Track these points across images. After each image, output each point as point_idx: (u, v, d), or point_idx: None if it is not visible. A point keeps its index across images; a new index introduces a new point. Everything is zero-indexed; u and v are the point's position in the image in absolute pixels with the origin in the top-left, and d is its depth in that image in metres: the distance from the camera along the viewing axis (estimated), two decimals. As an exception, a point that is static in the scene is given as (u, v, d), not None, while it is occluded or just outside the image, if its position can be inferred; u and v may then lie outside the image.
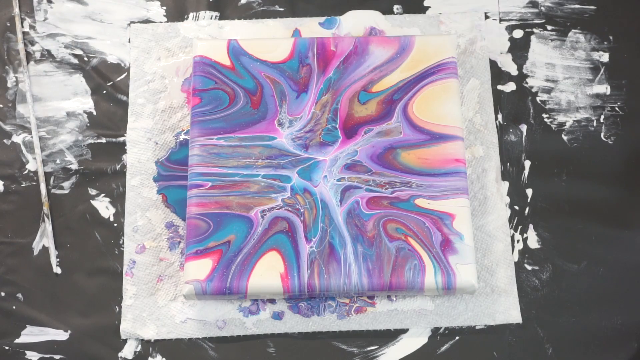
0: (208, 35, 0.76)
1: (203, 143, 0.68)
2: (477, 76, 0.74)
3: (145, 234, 0.69)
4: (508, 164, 0.72)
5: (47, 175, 0.72)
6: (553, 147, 0.72)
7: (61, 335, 0.67)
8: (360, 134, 0.68)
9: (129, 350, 0.67)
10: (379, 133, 0.68)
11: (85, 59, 0.75)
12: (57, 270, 0.69)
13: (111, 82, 0.75)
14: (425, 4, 0.77)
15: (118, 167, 0.72)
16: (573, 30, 0.76)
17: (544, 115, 0.73)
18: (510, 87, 0.74)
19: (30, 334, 0.67)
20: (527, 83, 0.74)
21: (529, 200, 0.71)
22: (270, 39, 0.73)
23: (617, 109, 0.73)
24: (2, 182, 0.72)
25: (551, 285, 0.68)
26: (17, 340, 0.67)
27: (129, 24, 0.76)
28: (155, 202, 0.70)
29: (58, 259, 0.69)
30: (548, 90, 0.74)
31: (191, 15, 0.77)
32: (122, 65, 0.75)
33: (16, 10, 0.77)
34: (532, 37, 0.76)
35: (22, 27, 0.76)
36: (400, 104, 0.69)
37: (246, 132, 0.68)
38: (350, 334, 0.67)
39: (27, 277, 0.69)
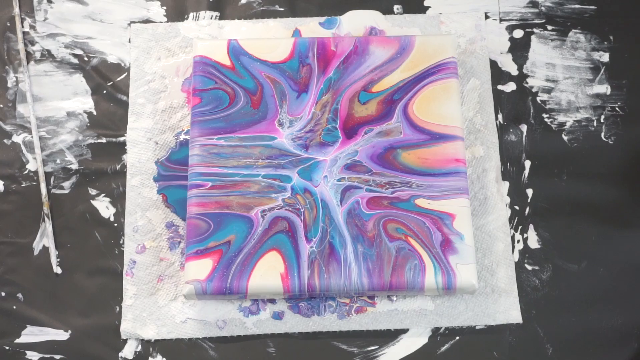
0: (208, 35, 0.76)
1: (203, 143, 0.68)
2: (478, 76, 0.74)
3: (145, 234, 0.69)
4: (508, 164, 0.72)
5: (47, 175, 0.72)
6: (553, 147, 0.72)
7: (61, 335, 0.67)
8: (360, 134, 0.68)
9: (129, 350, 0.67)
10: (379, 133, 0.68)
11: (86, 58, 0.75)
12: (58, 270, 0.69)
13: (111, 82, 0.75)
14: (426, 3, 0.77)
15: (118, 167, 0.72)
16: (573, 30, 0.76)
17: (544, 115, 0.73)
18: (510, 87, 0.74)
19: (31, 334, 0.67)
20: (527, 83, 0.74)
21: (529, 200, 0.71)
22: (270, 38, 0.73)
23: (617, 109, 0.73)
24: (3, 182, 0.72)
25: (551, 285, 0.68)
26: (17, 340, 0.67)
27: (129, 24, 0.76)
28: (156, 202, 0.70)
29: (58, 259, 0.69)
30: (548, 90, 0.74)
31: (191, 15, 0.77)
32: (122, 65, 0.75)
33: (16, 10, 0.77)
34: (533, 37, 0.76)
35: (22, 27, 0.76)
36: (401, 104, 0.69)
37: (246, 132, 0.68)
38: (350, 334, 0.67)
39: (27, 277, 0.69)
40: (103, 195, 0.71)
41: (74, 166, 0.72)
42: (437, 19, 0.76)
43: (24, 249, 0.70)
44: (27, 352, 0.67)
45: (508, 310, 0.67)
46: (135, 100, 0.73)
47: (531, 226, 0.70)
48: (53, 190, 0.71)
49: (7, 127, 0.74)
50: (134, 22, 0.76)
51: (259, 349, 0.66)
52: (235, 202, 0.66)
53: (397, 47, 0.71)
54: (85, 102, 0.74)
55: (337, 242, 0.65)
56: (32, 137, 0.73)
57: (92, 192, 0.71)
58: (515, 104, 0.74)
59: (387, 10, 0.76)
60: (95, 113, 0.74)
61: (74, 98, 0.74)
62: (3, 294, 0.68)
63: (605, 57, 0.75)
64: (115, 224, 0.70)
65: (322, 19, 0.76)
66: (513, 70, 0.75)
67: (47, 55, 0.75)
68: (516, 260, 0.69)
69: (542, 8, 0.76)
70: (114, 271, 0.69)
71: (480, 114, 0.73)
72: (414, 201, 0.66)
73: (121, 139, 0.73)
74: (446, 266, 0.64)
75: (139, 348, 0.67)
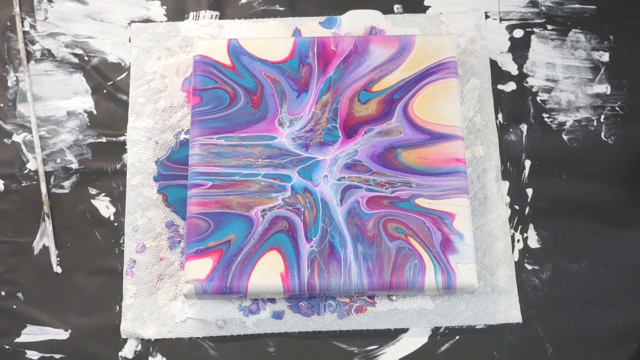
0: (208, 35, 0.75)
1: (203, 142, 0.68)
2: (478, 76, 0.74)
3: (145, 233, 0.69)
4: (508, 164, 0.72)
5: (48, 174, 0.72)
6: (553, 146, 0.72)
7: (61, 334, 0.67)
8: (360, 134, 0.68)
9: (129, 350, 0.67)
10: (379, 133, 0.68)
11: (86, 58, 0.75)
12: (58, 269, 0.69)
13: (111, 82, 0.75)
14: (426, 3, 0.77)
15: (118, 166, 0.72)
16: (573, 29, 0.76)
17: (544, 115, 0.73)
18: (510, 86, 0.74)
19: (31, 333, 0.67)
20: (527, 82, 0.74)
21: (529, 200, 0.70)
22: (270, 38, 0.73)
23: (617, 108, 0.73)
24: (3, 182, 0.72)
25: (551, 284, 0.68)
26: (17, 340, 0.67)
27: (129, 24, 0.76)
28: (156, 202, 0.70)
29: (58, 258, 0.69)
30: (548, 90, 0.74)
31: (191, 14, 0.77)
32: (123, 64, 0.75)
33: (17, 9, 0.77)
34: (533, 37, 0.75)
35: (23, 26, 0.76)
36: (401, 104, 0.69)
37: (246, 131, 0.68)
38: (350, 333, 0.67)
39: (27, 277, 0.69)
40: (103, 194, 0.71)
41: (74, 165, 0.72)
42: (437, 18, 0.76)
43: (24, 249, 0.70)
44: (27, 351, 0.67)
45: (508, 309, 0.67)
46: (136, 99, 0.73)
47: (531, 226, 0.70)
48: (53, 190, 0.71)
49: (8, 127, 0.73)
50: (134, 22, 0.76)
51: (259, 348, 0.66)
52: (235, 201, 0.66)
53: (397, 47, 0.70)
54: (85, 102, 0.74)
55: (337, 242, 0.64)
56: (32, 136, 0.73)
57: (92, 191, 0.71)
58: (515, 104, 0.73)
59: (387, 10, 0.76)
60: (95, 112, 0.74)
61: (74, 97, 0.74)
62: (3, 293, 0.68)
63: (605, 57, 0.75)
64: (116, 224, 0.70)
65: (322, 18, 0.76)
66: (513, 69, 0.75)
67: (48, 55, 0.75)
68: (516, 259, 0.69)
69: (542, 8, 0.76)
70: (114, 270, 0.69)
71: (480, 113, 0.73)
72: (414, 201, 0.66)
73: (121, 138, 0.73)
74: (446, 266, 0.63)
75: (139, 347, 0.67)
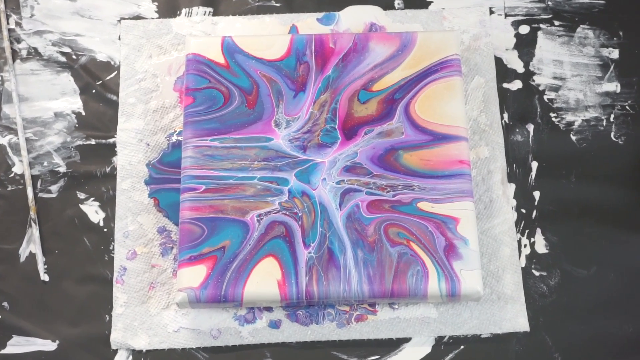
0: (201, 32, 0.75)
1: (196, 144, 0.67)
2: (482, 74, 0.73)
3: (136, 239, 0.69)
4: (514, 165, 0.71)
5: (34, 178, 0.71)
6: (561, 147, 0.72)
7: (49, 345, 0.67)
8: (360, 135, 0.68)
9: (119, 361, 0.67)
10: (379, 134, 0.67)
11: (74, 57, 0.75)
12: (45, 277, 0.68)
13: (100, 81, 0.74)
14: (428, -2, 0.78)
15: (108, 169, 0.71)
16: (581, 25, 0.75)
17: (552, 115, 0.73)
18: (516, 85, 0.74)
19: (17, 344, 0.67)
20: (533, 81, 0.74)
21: (536, 203, 0.70)
22: (266, 35, 0.73)
23: (627, 107, 0.73)
24: (-13, 186, 0.72)
25: (560, 291, 0.67)
26: (2, 351, 0.66)
27: (119, 21, 0.76)
28: (147, 206, 0.70)
29: (45, 266, 0.69)
30: (556, 88, 0.74)
31: (184, 11, 0.77)
32: (112, 63, 0.75)
33: (1, 6, 0.76)
34: (539, 33, 0.75)
35: (8, 24, 0.76)
36: (402, 103, 0.68)
37: (241, 133, 0.68)
38: (350, 343, 0.66)
39: (13, 285, 0.68)
40: (92, 199, 0.71)
41: (62, 169, 0.72)
42: (440, 14, 0.76)
43: (10, 256, 0.69)
44: (13, 363, 0.67)
45: (515, 317, 0.66)
46: (126, 100, 0.73)
47: (538, 230, 0.69)
48: (40, 194, 0.71)
49: (-7, 129, 0.74)
50: (124, 19, 0.76)
51: (256, 359, 0.66)
52: (230, 206, 0.65)
53: (398, 44, 0.70)
54: (73, 102, 0.74)
55: (336, 248, 0.64)
56: (18, 138, 0.72)
57: (81, 196, 0.71)
58: (522, 103, 0.73)
59: (388, 6, 0.76)
60: (84, 113, 0.73)
61: (61, 98, 0.74)
62: (-12, 302, 0.69)
63: (614, 54, 0.75)
64: (105, 229, 0.70)
65: (320, 14, 0.76)
66: (519, 67, 0.74)
67: (34, 54, 0.75)
68: (523, 265, 0.68)
69: (549, 3, 0.76)
70: (104, 278, 0.68)
71: (485, 113, 0.72)
72: (416, 204, 0.65)
73: (111, 140, 0.72)
74: (450, 272, 0.63)
75: (130, 359, 0.66)
